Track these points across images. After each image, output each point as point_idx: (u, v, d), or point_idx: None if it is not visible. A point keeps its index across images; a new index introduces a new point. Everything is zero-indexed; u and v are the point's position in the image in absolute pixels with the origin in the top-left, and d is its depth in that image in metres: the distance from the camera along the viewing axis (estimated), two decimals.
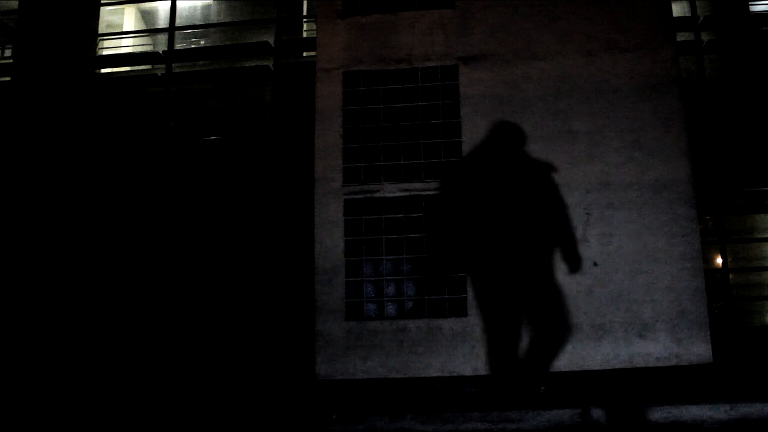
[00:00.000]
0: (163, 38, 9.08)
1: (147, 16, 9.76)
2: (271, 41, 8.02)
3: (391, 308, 4.64)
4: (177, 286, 7.10)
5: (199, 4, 9.20)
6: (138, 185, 7.59)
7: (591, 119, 4.69)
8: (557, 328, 3.84)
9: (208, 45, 8.81)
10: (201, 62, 8.51)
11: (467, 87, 4.88)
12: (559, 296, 3.88)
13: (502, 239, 3.77)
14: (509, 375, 3.67)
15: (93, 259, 7.37)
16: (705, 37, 7.53)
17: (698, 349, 4.30)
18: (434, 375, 4.46)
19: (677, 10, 7.66)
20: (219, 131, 7.96)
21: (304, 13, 8.64)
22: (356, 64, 5.05)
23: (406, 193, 4.79)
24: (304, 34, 8.61)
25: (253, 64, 8.15)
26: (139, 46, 9.43)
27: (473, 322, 4.49)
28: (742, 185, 7.26)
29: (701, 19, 7.43)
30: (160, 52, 8.34)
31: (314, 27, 7.70)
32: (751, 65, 7.57)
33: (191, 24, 9.01)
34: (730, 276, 7.26)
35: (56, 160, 7.90)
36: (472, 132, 4.76)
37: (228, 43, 8.48)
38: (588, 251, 4.49)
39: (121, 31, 9.42)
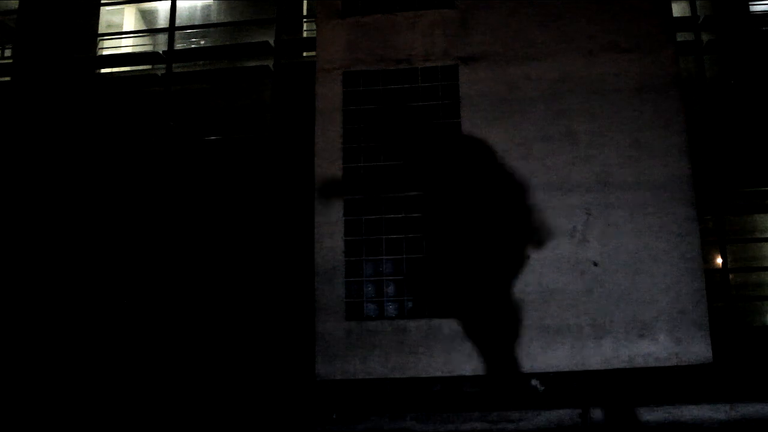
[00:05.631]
0: (163, 38, 9.07)
1: (147, 16, 9.76)
2: (271, 41, 8.02)
3: (391, 308, 4.64)
4: (177, 287, 7.09)
5: (199, 4, 9.19)
6: (138, 185, 7.59)
7: (591, 119, 4.69)
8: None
9: (208, 45, 8.81)
10: (201, 62, 8.50)
11: (467, 87, 4.88)
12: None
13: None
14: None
15: (93, 259, 7.37)
16: (705, 37, 7.53)
17: (698, 349, 4.30)
18: (434, 375, 4.46)
19: (677, 10, 7.66)
20: (219, 131, 7.96)
21: (304, 13, 8.64)
22: (356, 64, 5.05)
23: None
24: (304, 34, 8.61)
25: (253, 64, 8.14)
26: (139, 46, 9.41)
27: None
28: (742, 185, 7.26)
29: (701, 19, 7.43)
30: (160, 52, 8.34)
31: (314, 27, 7.69)
32: (751, 65, 7.57)
33: (191, 24, 9.00)
34: (730, 276, 7.26)
35: (56, 160, 7.90)
36: (472, 132, 4.76)
37: (228, 43, 8.47)
38: (588, 251, 4.49)
39: (121, 31, 9.41)
